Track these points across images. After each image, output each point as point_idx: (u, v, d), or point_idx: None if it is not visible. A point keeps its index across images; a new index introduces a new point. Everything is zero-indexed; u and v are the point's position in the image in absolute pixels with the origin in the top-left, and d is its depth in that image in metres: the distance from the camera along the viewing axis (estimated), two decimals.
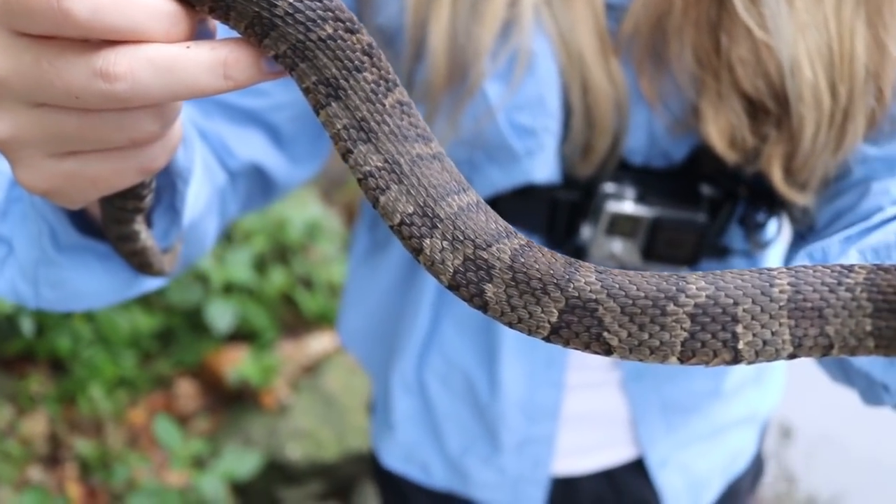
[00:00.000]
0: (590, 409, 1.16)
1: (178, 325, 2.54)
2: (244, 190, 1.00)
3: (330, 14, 0.51)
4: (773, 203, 1.01)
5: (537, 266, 0.50)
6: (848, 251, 0.74)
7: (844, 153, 0.90)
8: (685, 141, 0.97)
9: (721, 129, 0.90)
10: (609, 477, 1.20)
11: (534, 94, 0.92)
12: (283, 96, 0.97)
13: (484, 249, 0.50)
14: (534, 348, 1.11)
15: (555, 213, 1.01)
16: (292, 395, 2.50)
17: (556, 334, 0.50)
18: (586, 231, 1.00)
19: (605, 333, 0.49)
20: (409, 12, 0.92)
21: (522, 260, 0.50)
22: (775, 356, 0.49)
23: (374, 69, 0.52)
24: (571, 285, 0.49)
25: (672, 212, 0.98)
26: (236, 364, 2.47)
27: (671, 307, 0.48)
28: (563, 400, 1.14)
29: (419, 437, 1.22)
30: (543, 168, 0.96)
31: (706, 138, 0.91)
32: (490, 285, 0.50)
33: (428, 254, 0.51)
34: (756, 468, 1.37)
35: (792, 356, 0.49)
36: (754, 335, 0.48)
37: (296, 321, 2.63)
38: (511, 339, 1.10)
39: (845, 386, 0.92)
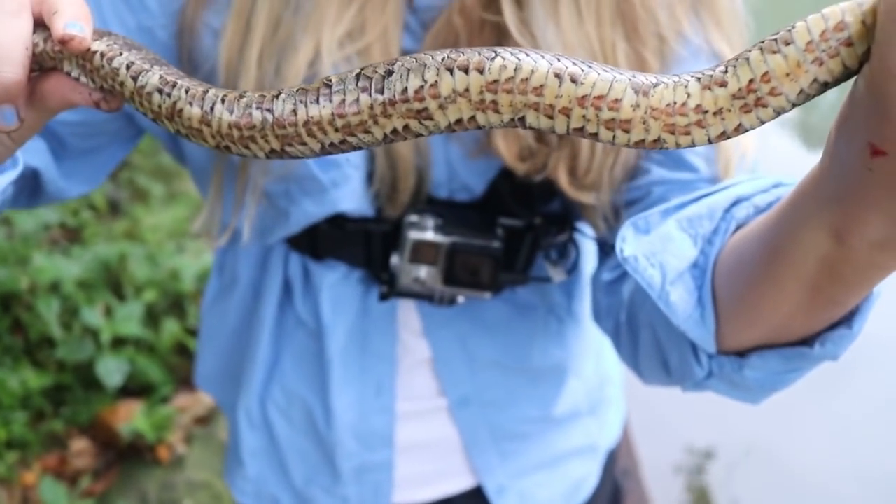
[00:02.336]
0: (423, 438, 1.21)
1: (69, 382, 2.54)
2: (17, 186, 1.02)
3: None
4: (571, 230, 1.11)
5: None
6: (667, 220, 0.85)
7: (628, 160, 1.01)
8: (483, 174, 1.06)
9: (509, 144, 1.00)
10: None
11: None
12: (71, 116, 1.01)
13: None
14: (363, 376, 1.17)
15: (370, 244, 1.09)
16: (187, 447, 2.51)
17: None
18: (395, 259, 1.08)
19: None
20: (221, 64, 0.99)
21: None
22: None
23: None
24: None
25: (468, 239, 1.06)
26: (130, 419, 2.47)
27: None
28: (395, 427, 1.19)
29: (266, 471, 1.26)
30: (350, 198, 1.04)
31: (497, 153, 1.01)
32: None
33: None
34: (611, 501, 1.43)
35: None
36: None
37: (191, 372, 2.63)
38: (340, 367, 1.16)
39: (659, 381, 0.99)
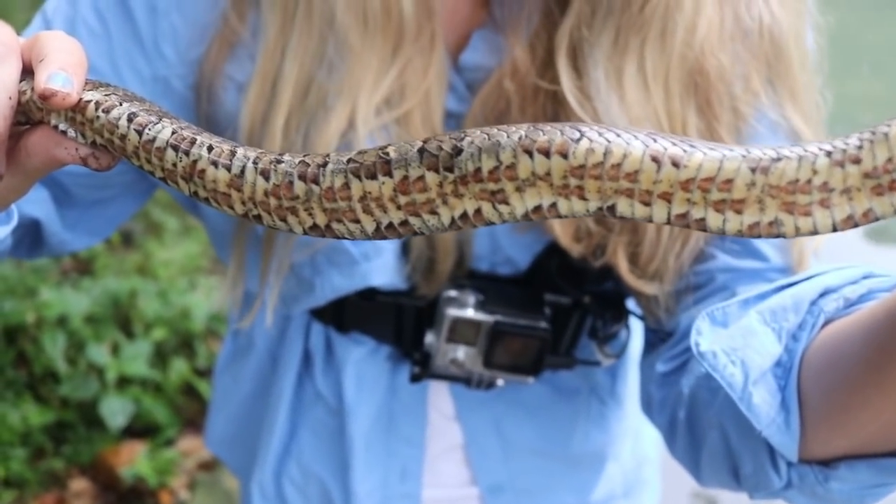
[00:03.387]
0: None
1: (72, 420, 2.49)
2: (15, 236, 0.97)
3: None
4: (622, 313, 1.03)
5: None
6: (747, 313, 0.78)
7: (696, 244, 0.93)
8: (529, 248, 0.99)
9: (564, 223, 0.93)
10: None
11: None
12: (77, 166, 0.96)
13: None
14: (388, 459, 1.10)
15: (401, 319, 1.03)
16: (190, 494, 2.44)
17: None
18: (430, 338, 1.01)
19: None
20: (243, 130, 0.92)
21: None
22: None
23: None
24: None
25: (512, 319, 0.99)
26: (132, 461, 2.41)
27: None
28: None
29: None
30: (382, 272, 0.97)
31: (549, 231, 0.94)
32: None
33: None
34: None
35: None
36: None
37: (198, 413, 2.59)
38: (363, 449, 1.09)
39: (723, 486, 0.92)
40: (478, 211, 0.52)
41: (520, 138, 0.51)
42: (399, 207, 0.53)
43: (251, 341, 1.16)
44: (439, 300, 0.99)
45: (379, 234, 0.54)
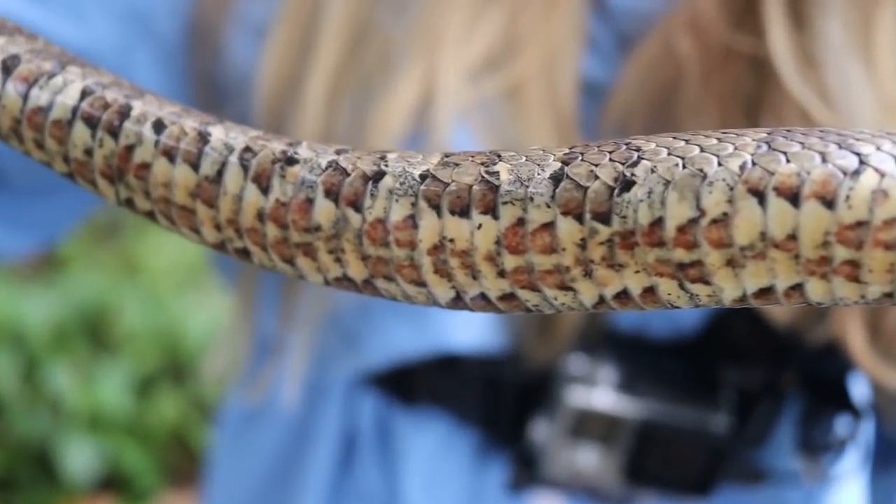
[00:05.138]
0: None
1: (24, 467, 2.36)
2: None
3: None
4: (845, 404, 0.90)
5: None
6: None
7: None
8: None
9: None
10: None
11: None
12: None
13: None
14: None
15: (497, 396, 0.90)
16: None
17: None
18: (541, 429, 0.86)
19: None
20: (261, 101, 0.82)
21: None
22: None
23: None
24: None
25: (673, 410, 0.87)
26: None
27: None
28: None
29: None
30: (467, 329, 0.86)
31: None
32: None
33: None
34: None
35: None
36: None
37: (188, 464, 2.43)
38: None
39: None
40: (649, 290, 0.34)
41: (743, 167, 0.32)
42: (502, 275, 0.35)
43: (269, 402, 1.03)
44: (556, 374, 0.87)
45: (460, 303, 0.37)
